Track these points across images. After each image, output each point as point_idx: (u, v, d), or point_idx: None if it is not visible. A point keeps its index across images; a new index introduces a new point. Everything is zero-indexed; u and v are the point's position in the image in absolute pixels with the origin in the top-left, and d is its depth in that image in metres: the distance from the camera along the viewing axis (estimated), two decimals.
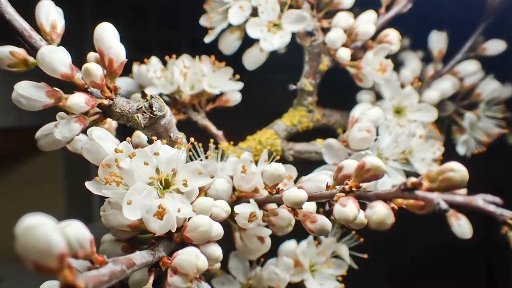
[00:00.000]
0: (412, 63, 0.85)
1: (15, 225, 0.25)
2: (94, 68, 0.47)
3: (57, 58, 0.46)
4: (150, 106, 0.50)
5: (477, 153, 0.83)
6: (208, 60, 0.71)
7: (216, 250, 0.47)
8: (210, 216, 0.47)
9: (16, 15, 0.47)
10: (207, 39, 0.72)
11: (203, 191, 0.52)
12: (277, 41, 0.68)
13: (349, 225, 0.43)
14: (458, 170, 0.36)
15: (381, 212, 0.38)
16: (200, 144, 0.59)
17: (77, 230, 0.33)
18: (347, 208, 0.41)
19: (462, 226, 0.40)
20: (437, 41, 0.85)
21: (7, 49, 0.48)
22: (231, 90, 0.72)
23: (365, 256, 0.67)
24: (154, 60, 0.71)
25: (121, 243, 0.49)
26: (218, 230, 0.48)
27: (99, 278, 0.33)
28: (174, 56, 0.70)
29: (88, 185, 0.46)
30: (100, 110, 0.51)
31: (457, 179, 0.36)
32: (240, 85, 0.72)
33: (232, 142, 0.71)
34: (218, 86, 0.71)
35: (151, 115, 0.50)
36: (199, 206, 0.48)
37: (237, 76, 0.72)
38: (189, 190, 0.48)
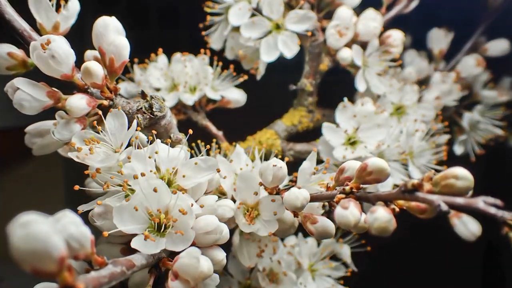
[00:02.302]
0: (418, 62, 0.83)
1: (9, 224, 0.24)
2: (95, 67, 0.46)
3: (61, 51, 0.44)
4: (150, 106, 0.50)
5: (477, 154, 0.83)
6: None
7: (219, 254, 0.46)
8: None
9: (15, 15, 0.47)
10: (216, 45, 0.72)
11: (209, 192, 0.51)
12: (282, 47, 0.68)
13: (349, 229, 0.41)
14: (462, 178, 0.35)
15: (382, 217, 0.37)
16: (203, 143, 0.59)
17: (78, 229, 0.32)
18: (348, 211, 0.40)
19: (466, 223, 0.38)
20: (437, 40, 0.85)
21: (4, 51, 0.47)
22: (234, 98, 0.71)
23: (368, 248, 0.66)
24: (159, 63, 0.70)
25: (119, 245, 0.48)
26: (225, 231, 0.46)
27: (99, 280, 0.32)
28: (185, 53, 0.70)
29: (82, 207, 0.45)
30: (100, 111, 0.51)
31: (459, 186, 0.35)
32: (243, 94, 0.71)
33: (234, 143, 0.71)
34: (220, 90, 0.71)
35: (151, 116, 0.50)
36: (204, 203, 0.47)
37: (241, 80, 0.71)
38: (194, 188, 0.47)
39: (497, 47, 0.84)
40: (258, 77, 0.71)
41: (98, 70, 0.46)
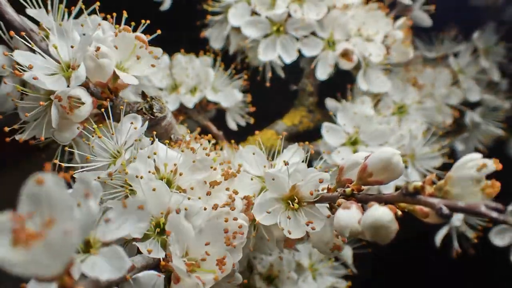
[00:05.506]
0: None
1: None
2: (108, 64, 0.45)
3: None
4: (151, 107, 0.50)
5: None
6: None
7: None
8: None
9: (16, 15, 0.47)
10: (216, 44, 0.72)
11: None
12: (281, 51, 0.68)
13: (349, 235, 0.38)
14: None
15: (383, 217, 0.35)
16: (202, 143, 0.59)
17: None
18: (350, 212, 0.38)
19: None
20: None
21: (1, 51, 0.47)
22: (231, 105, 0.71)
23: (369, 250, 0.66)
24: (161, 64, 0.70)
25: None
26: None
27: (98, 283, 0.32)
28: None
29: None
30: (99, 111, 0.50)
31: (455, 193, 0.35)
32: (237, 100, 0.71)
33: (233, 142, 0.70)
34: (221, 91, 0.70)
35: (152, 117, 0.50)
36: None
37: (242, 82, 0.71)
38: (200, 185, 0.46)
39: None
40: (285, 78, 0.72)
41: (109, 66, 0.45)
